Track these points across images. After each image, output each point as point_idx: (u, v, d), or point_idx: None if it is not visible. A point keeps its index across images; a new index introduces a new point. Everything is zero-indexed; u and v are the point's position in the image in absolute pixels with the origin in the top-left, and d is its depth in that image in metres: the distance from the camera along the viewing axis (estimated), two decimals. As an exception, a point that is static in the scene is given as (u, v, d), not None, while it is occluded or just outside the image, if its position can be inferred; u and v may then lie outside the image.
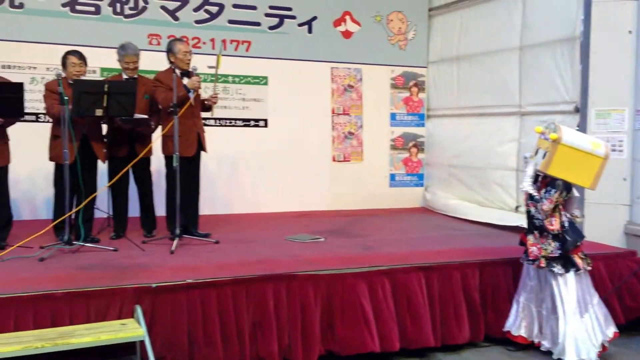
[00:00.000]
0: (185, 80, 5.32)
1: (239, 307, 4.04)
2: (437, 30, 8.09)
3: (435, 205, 7.77)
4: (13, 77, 5.69)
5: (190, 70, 5.31)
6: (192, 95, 5.29)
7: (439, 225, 6.72)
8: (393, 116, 8.10)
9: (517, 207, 6.50)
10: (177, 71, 5.33)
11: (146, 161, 5.56)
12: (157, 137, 5.44)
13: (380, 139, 8.02)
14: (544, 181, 4.36)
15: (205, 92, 5.86)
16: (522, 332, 4.49)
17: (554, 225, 4.25)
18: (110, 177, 5.38)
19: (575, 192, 4.38)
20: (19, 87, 4.70)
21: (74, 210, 4.94)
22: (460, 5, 7.60)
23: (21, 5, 6.34)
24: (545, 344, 4.39)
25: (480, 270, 4.71)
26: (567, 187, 4.28)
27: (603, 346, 4.32)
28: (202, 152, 5.58)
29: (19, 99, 4.68)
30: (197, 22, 7.09)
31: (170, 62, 5.42)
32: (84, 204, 4.92)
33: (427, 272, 4.56)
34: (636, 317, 5.00)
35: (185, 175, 5.29)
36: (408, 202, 8.06)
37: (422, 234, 6.13)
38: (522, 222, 5.55)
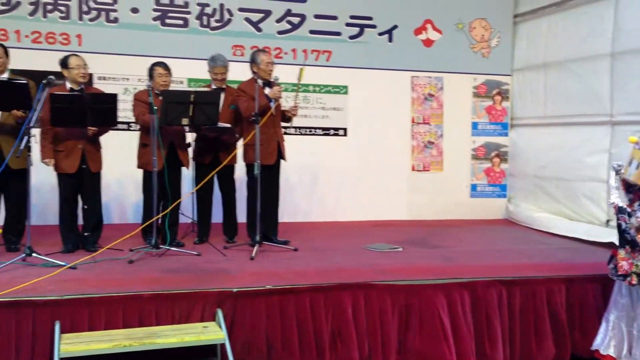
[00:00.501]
0: (267, 90, 5.44)
1: (317, 314, 4.07)
2: (522, 36, 7.86)
3: (519, 218, 7.52)
4: (107, 88, 6.05)
5: (272, 80, 5.42)
6: (273, 105, 5.40)
7: (522, 238, 6.51)
8: (475, 125, 7.94)
9: (607, 221, 6.19)
10: (260, 81, 5.45)
11: (230, 169, 5.72)
12: (240, 145, 5.59)
13: (461, 148, 7.87)
14: (638, 194, 4.13)
15: (286, 101, 5.96)
16: (611, 352, 4.26)
17: None
18: (196, 183, 5.56)
19: None
20: (113, 98, 4.95)
21: (160, 214, 5.15)
22: (547, 10, 7.36)
23: (115, 20, 6.71)
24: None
25: (567, 286, 4.52)
26: None
27: None
28: (282, 161, 5.67)
29: (112, 109, 4.94)
30: (280, 32, 7.23)
31: (253, 72, 5.54)
32: (169, 209, 5.12)
33: (509, 286, 4.43)
34: None
35: (266, 183, 5.39)
36: (490, 214, 7.86)
37: (504, 247, 5.95)
38: (614, 237, 5.29)
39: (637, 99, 5.96)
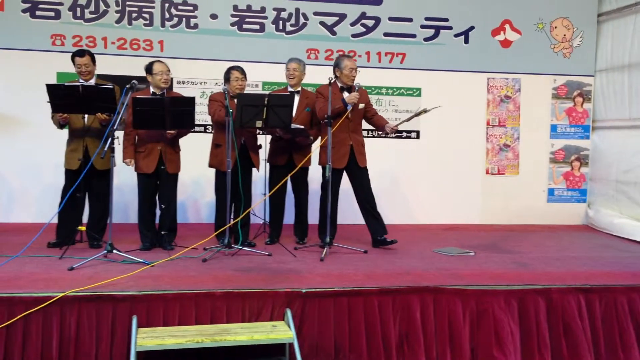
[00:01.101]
0: (345, 95, 5.49)
1: (385, 317, 4.07)
2: (606, 36, 7.54)
3: (599, 224, 7.21)
4: (186, 92, 6.29)
5: (353, 85, 5.49)
6: (349, 109, 5.44)
7: (603, 244, 6.23)
8: (554, 128, 7.67)
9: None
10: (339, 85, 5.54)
11: (304, 171, 5.80)
12: (315, 147, 5.66)
13: (539, 151, 7.63)
14: None
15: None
16: None
17: None
18: (270, 184, 5.69)
19: None
20: (191, 101, 5.14)
21: (238, 217, 5.28)
22: (634, 9, 7.02)
23: (196, 26, 6.95)
24: None
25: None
26: None
27: None
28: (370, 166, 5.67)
29: (190, 112, 5.12)
30: (354, 35, 7.27)
31: (336, 77, 5.60)
32: (245, 212, 5.26)
33: (587, 294, 4.27)
34: None
35: (356, 186, 5.55)
36: (568, 219, 7.58)
37: (583, 253, 5.72)
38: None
39: None
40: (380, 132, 5.84)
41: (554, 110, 7.66)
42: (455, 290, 4.18)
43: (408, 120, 5.70)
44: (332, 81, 5.32)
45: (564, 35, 7.62)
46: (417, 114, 5.60)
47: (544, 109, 7.64)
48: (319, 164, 5.64)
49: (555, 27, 7.62)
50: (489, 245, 5.97)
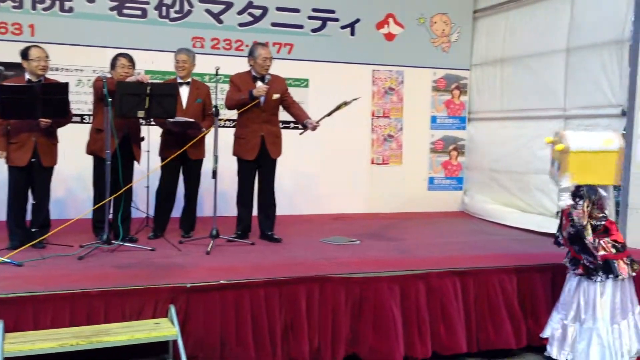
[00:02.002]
0: (259, 84, 5.44)
1: (271, 308, 4.08)
2: (481, 32, 7.96)
3: (474, 210, 7.65)
4: (60, 79, 5.86)
5: (265, 75, 5.46)
6: (262, 101, 5.41)
7: (477, 229, 6.62)
8: (434, 119, 8.02)
9: (557, 213, 6.33)
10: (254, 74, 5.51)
11: (197, 163, 5.67)
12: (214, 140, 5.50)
13: (420, 142, 7.95)
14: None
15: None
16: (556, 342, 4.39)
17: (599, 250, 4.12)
18: (161, 176, 5.55)
19: (603, 192, 4.24)
20: (64, 88, 4.84)
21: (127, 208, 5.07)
22: (506, 6, 7.46)
23: (71, 10, 6.55)
24: (568, 353, 4.27)
25: (518, 276, 4.61)
26: (593, 190, 4.16)
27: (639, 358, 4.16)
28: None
29: (64, 100, 4.83)
30: (241, 25, 7.17)
31: (250, 66, 5.53)
32: (106, 197, 5.00)
33: (462, 276, 4.50)
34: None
35: (249, 178, 5.55)
36: (446, 206, 7.97)
37: (459, 239, 6.05)
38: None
39: (588, 93, 6.11)
40: (302, 130, 5.74)
41: (433, 102, 8.00)
42: (341, 278, 4.25)
43: (329, 114, 5.64)
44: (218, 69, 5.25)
45: (443, 30, 7.97)
46: (338, 107, 5.58)
47: (425, 101, 7.95)
48: (233, 154, 5.60)
49: (435, 22, 7.94)
50: (374, 233, 6.15)
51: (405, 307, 4.31)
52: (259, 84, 5.46)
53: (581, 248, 4.13)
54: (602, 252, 4.10)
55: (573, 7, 6.39)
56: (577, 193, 4.16)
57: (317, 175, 7.40)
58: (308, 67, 7.40)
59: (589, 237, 4.11)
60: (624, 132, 5.67)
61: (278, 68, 7.24)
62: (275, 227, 5.68)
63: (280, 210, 5.88)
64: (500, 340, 4.45)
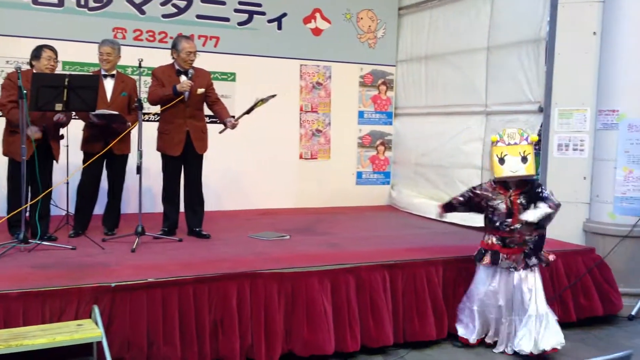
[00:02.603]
0: (182, 79, 5.29)
1: (200, 306, 3.99)
2: (406, 29, 8.11)
3: (401, 204, 7.80)
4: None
5: (189, 69, 5.33)
6: (187, 96, 5.28)
7: (404, 223, 6.75)
8: (361, 114, 8.11)
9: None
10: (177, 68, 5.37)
11: (122, 158, 5.48)
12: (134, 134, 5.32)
13: (348, 136, 8.02)
14: (517, 192, 4.44)
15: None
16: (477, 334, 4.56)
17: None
18: (83, 171, 5.31)
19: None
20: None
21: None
22: (429, 4, 7.63)
23: (-21, -3, 6.17)
24: (504, 345, 4.46)
25: (444, 268, 4.73)
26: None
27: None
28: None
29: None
30: (165, 16, 6.97)
31: (173, 59, 5.38)
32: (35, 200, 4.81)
33: (391, 270, 4.56)
34: (588, 316, 5.08)
35: (175, 173, 5.44)
36: (374, 200, 8.09)
37: (388, 232, 6.14)
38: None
39: (509, 90, 6.34)
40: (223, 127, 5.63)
41: (361, 97, 8.09)
42: (272, 274, 4.22)
43: (247, 112, 5.57)
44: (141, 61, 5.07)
45: (369, 26, 8.06)
46: (255, 105, 5.51)
47: (353, 96, 8.03)
48: (157, 150, 5.44)
49: (362, 18, 8.02)
50: (304, 228, 6.15)
51: (336, 301, 4.32)
52: (183, 78, 5.33)
53: None
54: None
55: (493, 6, 6.62)
56: (537, 185, 4.50)
57: (245, 170, 7.32)
58: (235, 60, 7.30)
59: None
60: (541, 127, 5.95)
61: (204, 61, 7.09)
62: (204, 224, 5.58)
63: (208, 207, 5.78)
64: (423, 331, 4.54)
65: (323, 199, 7.72)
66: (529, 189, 4.39)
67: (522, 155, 4.31)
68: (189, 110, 5.39)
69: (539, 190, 4.40)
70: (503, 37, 6.46)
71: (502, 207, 4.38)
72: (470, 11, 6.95)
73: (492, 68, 6.61)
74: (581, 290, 5.08)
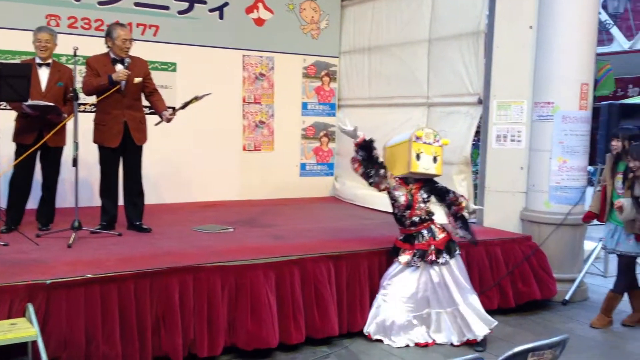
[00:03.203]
0: (118, 68, 5.12)
1: (142, 302, 3.90)
2: (349, 20, 8.13)
3: (345, 195, 7.84)
4: None
5: (125, 58, 5.16)
6: (123, 85, 5.11)
7: (348, 214, 6.79)
8: (305, 105, 8.09)
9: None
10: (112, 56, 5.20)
11: (57, 151, 5.28)
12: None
13: (292, 128, 7.99)
14: (418, 185, 4.62)
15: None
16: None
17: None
18: (16, 165, 5.06)
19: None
20: None
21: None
22: (372, -4, 7.67)
23: None
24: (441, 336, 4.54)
25: (388, 258, 4.77)
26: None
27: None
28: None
29: None
30: (100, 3, 6.74)
31: (108, 47, 5.19)
32: None
33: (336, 261, 4.58)
34: (526, 301, 5.25)
35: (116, 165, 5.26)
36: (318, 192, 8.10)
37: (331, 224, 6.16)
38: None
39: (449, 82, 6.46)
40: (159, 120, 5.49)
41: (304, 88, 8.07)
42: (215, 267, 4.17)
43: (182, 108, 5.47)
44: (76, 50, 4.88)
45: (312, 17, 8.03)
46: (189, 102, 5.41)
47: (296, 87, 8.00)
48: (94, 142, 5.27)
49: (304, 9, 7.98)
50: (248, 220, 6.09)
51: (281, 293, 4.31)
52: (119, 67, 5.17)
53: None
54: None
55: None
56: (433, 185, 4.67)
57: (187, 162, 7.18)
58: (175, 50, 7.15)
59: None
60: (480, 119, 6.09)
61: (143, 51, 6.91)
62: (144, 217, 5.44)
63: (150, 200, 5.66)
64: (365, 321, 4.58)
65: (267, 190, 7.67)
66: (429, 184, 4.61)
67: (434, 155, 4.53)
68: (126, 101, 5.24)
69: (438, 185, 4.64)
70: (444, 30, 6.56)
71: (403, 199, 4.55)
72: (411, 3, 7.03)
73: (433, 60, 6.71)
74: (519, 276, 5.25)
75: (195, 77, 7.15)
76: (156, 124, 5.46)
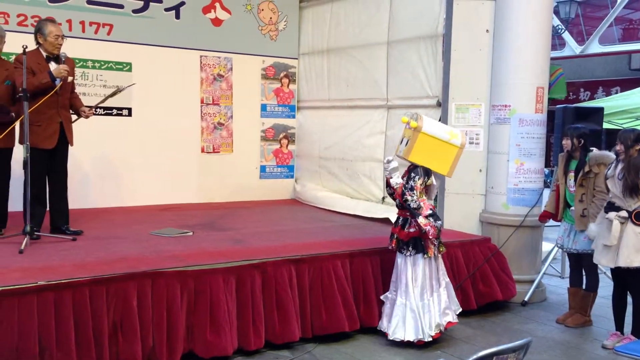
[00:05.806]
0: (53, 66, 4.93)
1: (98, 308, 3.77)
2: (308, 21, 8.10)
3: (305, 197, 7.80)
4: None
5: (59, 55, 4.98)
6: (58, 84, 4.90)
7: (309, 217, 6.75)
8: (264, 107, 8.02)
9: (383, 198, 6.68)
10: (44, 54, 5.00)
11: (6, 153, 5.08)
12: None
13: (251, 130, 7.91)
14: (406, 170, 4.50)
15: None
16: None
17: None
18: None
19: (434, 180, 4.55)
20: None
21: None
22: (330, -3, 7.66)
23: None
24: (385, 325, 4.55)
25: (350, 261, 4.75)
26: (427, 173, 4.45)
27: (440, 330, 4.51)
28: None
29: None
30: (52, 0, 6.52)
31: (38, 44, 5.00)
32: None
33: (298, 264, 4.53)
34: (487, 302, 5.31)
35: (46, 168, 5.02)
36: (278, 194, 8.05)
37: (292, 226, 6.11)
38: (389, 213, 5.72)
39: (408, 84, 6.50)
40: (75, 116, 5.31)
41: (263, 90, 8.00)
42: (174, 272, 4.06)
43: (103, 101, 5.36)
44: (25, 48, 4.69)
45: (271, 18, 7.97)
46: (113, 94, 5.30)
47: (255, 89, 7.93)
48: (21, 143, 4.98)
49: (262, 10, 7.92)
50: (207, 224, 5.99)
51: (241, 298, 4.24)
52: (53, 64, 5.00)
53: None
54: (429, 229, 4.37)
55: (392, 1, 6.74)
56: (413, 170, 4.41)
57: (144, 164, 7.01)
58: (130, 50, 6.99)
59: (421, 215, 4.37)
60: (440, 121, 6.13)
61: (97, 50, 6.78)
62: (100, 220, 5.27)
63: (104, 202, 5.49)
64: (333, 324, 4.53)
65: (226, 193, 7.58)
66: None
67: (405, 137, 4.49)
68: (61, 100, 5.07)
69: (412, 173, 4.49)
70: (402, 32, 6.60)
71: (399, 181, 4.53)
72: (370, 6, 7.04)
73: (392, 63, 6.74)
74: (480, 278, 5.30)
75: (152, 78, 7.01)
76: (73, 121, 5.30)
